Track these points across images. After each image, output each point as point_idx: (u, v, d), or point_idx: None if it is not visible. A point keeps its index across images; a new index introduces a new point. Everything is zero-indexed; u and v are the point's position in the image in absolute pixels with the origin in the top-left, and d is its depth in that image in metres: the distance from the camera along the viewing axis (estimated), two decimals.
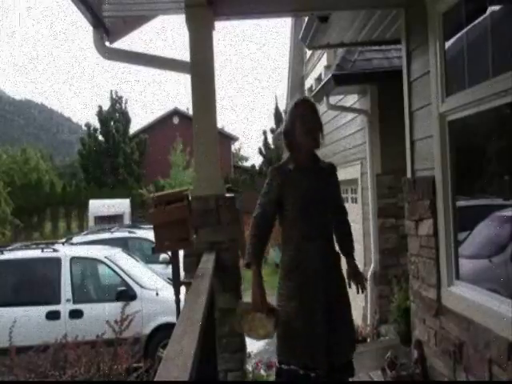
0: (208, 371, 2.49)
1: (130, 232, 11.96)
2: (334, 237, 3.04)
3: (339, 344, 2.81)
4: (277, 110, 27.26)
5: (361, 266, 7.24)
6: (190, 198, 3.78)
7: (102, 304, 6.98)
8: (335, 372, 2.81)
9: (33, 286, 7.32)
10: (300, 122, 2.88)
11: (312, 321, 2.76)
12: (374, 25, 5.22)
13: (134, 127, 32.31)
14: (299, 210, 2.84)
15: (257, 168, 30.15)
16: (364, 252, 7.14)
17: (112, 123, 29.70)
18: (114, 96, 30.38)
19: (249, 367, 4.72)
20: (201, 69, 3.98)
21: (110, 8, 4.06)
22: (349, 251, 3.11)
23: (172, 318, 5.51)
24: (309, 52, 11.68)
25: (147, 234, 10.56)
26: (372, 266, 6.65)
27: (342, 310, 2.87)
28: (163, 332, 6.62)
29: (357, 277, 3.04)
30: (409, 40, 4.29)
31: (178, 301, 3.72)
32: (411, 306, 4.44)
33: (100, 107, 29.78)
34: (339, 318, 2.83)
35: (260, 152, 28.61)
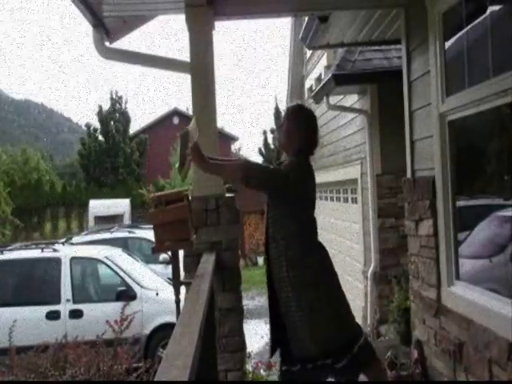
0: (208, 371, 2.49)
1: (129, 232, 11.97)
2: None
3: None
4: (277, 110, 27.19)
5: (360, 266, 7.25)
6: (190, 197, 3.78)
7: (101, 304, 6.99)
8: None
9: (33, 285, 7.33)
10: None
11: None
12: (374, 25, 5.22)
13: (134, 127, 32.27)
14: None
15: None
16: (364, 252, 7.14)
17: (112, 123, 29.63)
18: (114, 96, 30.32)
19: (249, 367, 4.71)
20: (201, 69, 3.97)
21: (110, 8, 4.06)
22: None
23: (172, 318, 5.52)
24: (309, 52, 11.65)
25: (147, 233, 10.57)
26: (372, 265, 6.65)
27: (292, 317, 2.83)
28: (163, 332, 6.63)
29: None
30: (409, 40, 4.29)
31: (178, 301, 3.72)
32: (411, 306, 4.44)
33: (100, 107, 29.71)
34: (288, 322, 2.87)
35: (260, 152, 28.57)
